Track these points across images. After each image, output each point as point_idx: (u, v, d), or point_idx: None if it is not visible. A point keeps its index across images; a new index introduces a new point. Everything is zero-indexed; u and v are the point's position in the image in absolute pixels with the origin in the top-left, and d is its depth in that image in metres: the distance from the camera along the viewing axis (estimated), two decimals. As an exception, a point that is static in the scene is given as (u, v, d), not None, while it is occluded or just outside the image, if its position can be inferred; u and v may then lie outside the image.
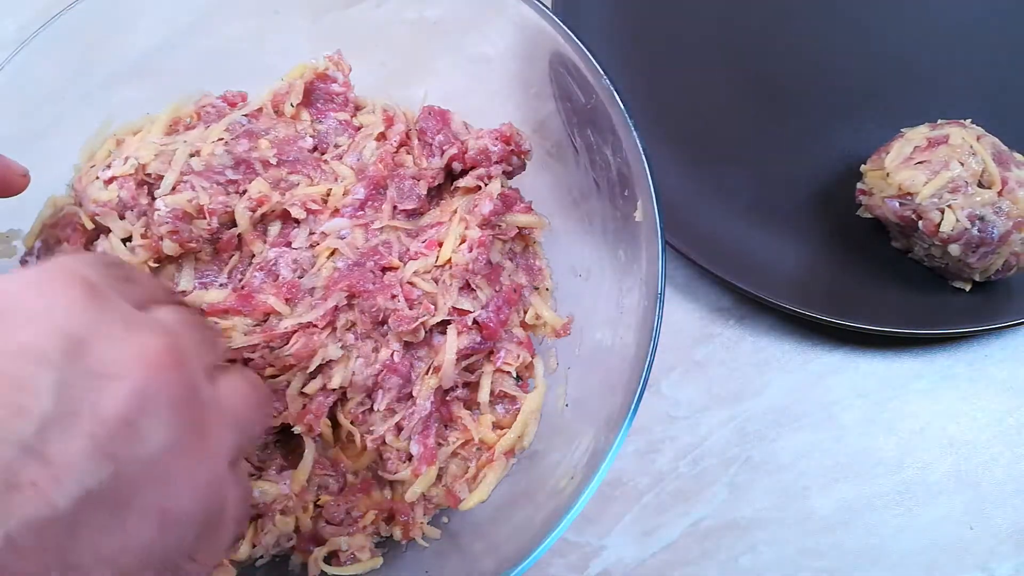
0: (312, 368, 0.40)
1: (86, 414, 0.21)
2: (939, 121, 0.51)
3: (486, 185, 0.45)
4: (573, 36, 0.42)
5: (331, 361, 0.41)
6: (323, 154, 0.46)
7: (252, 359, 0.41)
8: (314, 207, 0.43)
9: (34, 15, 0.59)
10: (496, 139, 0.44)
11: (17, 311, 0.22)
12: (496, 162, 0.45)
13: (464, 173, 0.46)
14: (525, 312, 0.46)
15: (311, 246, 0.43)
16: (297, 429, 0.41)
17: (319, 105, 0.47)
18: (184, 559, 0.24)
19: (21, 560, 0.20)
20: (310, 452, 0.41)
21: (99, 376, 0.22)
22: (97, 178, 0.42)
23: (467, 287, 0.43)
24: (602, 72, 0.41)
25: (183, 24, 0.47)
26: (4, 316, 0.22)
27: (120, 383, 0.22)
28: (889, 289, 0.52)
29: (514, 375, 0.45)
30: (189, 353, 0.25)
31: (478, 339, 0.42)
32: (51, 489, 0.21)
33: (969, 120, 0.51)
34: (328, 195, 0.44)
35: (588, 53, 0.41)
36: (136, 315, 0.25)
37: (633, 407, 0.36)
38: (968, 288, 0.51)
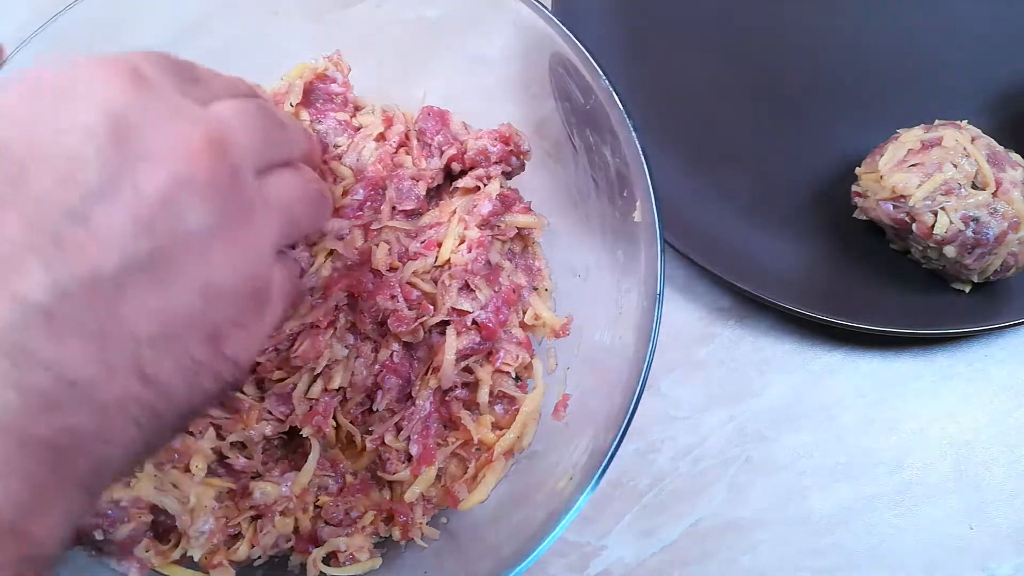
0: (319, 369, 0.41)
1: (128, 191, 0.23)
2: (936, 122, 0.51)
3: (485, 186, 0.45)
4: (572, 37, 0.42)
5: (333, 361, 0.41)
6: (323, 154, 0.46)
7: (260, 363, 0.41)
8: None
9: (33, 15, 0.59)
10: (495, 140, 0.44)
11: (67, 91, 0.24)
12: (495, 162, 0.45)
13: (463, 174, 0.46)
14: (524, 312, 0.46)
15: (310, 246, 0.43)
16: (307, 431, 0.41)
17: (318, 105, 0.47)
18: (230, 326, 0.26)
19: (75, 310, 0.22)
20: (315, 454, 0.41)
21: (140, 158, 0.24)
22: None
23: (466, 288, 0.43)
24: (601, 72, 0.41)
25: (183, 24, 0.47)
26: (56, 95, 0.24)
27: (159, 166, 0.24)
28: (889, 289, 0.52)
29: (513, 375, 0.44)
30: (236, 145, 0.27)
31: (477, 339, 0.42)
32: (95, 253, 0.22)
33: (966, 121, 0.50)
34: (327, 195, 0.44)
35: (587, 53, 0.41)
36: (185, 106, 0.26)
37: (632, 407, 0.36)
38: (967, 289, 0.51)
